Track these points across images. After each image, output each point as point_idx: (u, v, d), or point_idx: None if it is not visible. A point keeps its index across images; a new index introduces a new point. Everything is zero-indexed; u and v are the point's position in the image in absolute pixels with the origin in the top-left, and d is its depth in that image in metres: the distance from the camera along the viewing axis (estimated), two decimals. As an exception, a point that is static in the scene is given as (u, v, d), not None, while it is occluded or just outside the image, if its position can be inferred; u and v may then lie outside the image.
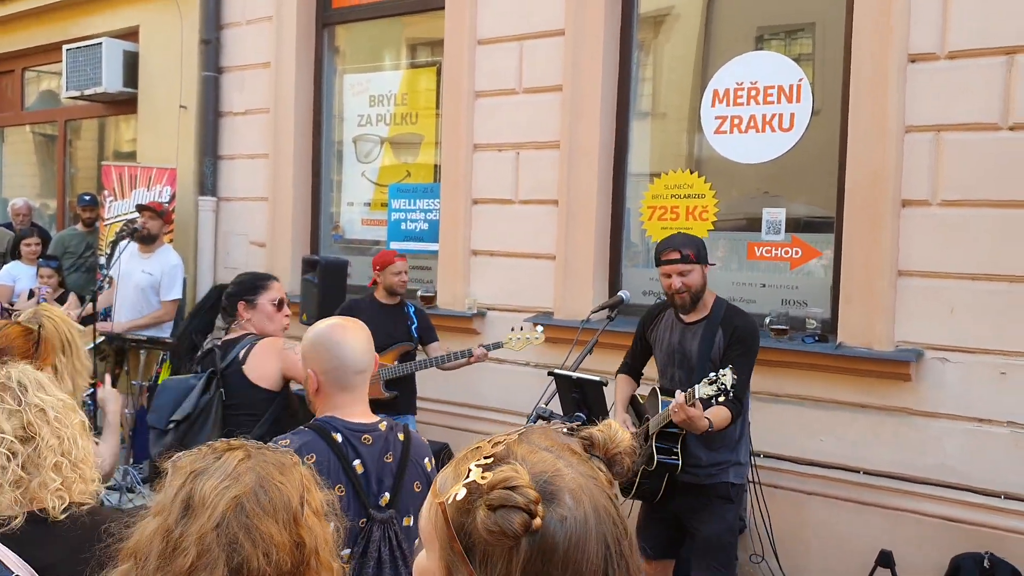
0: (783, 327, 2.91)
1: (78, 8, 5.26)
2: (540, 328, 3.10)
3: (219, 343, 2.24)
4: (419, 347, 3.22)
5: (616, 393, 2.53)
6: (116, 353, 4.12)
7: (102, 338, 3.79)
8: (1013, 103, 2.52)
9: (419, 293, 3.82)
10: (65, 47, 5.08)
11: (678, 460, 2.26)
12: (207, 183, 4.64)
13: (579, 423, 2.17)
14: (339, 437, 1.45)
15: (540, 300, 3.47)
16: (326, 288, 3.34)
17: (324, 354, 1.48)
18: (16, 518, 1.05)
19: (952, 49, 2.61)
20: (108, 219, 4.77)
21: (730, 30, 3.25)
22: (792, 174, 3.08)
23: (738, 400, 2.21)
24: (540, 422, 2.20)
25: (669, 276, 2.28)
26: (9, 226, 5.42)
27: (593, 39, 3.31)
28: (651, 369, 2.54)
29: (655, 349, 2.45)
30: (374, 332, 1.58)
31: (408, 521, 1.48)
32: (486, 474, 0.63)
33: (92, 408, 2.58)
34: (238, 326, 2.27)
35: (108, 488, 3.34)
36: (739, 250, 3.18)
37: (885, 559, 2.63)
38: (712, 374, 2.07)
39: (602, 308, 2.69)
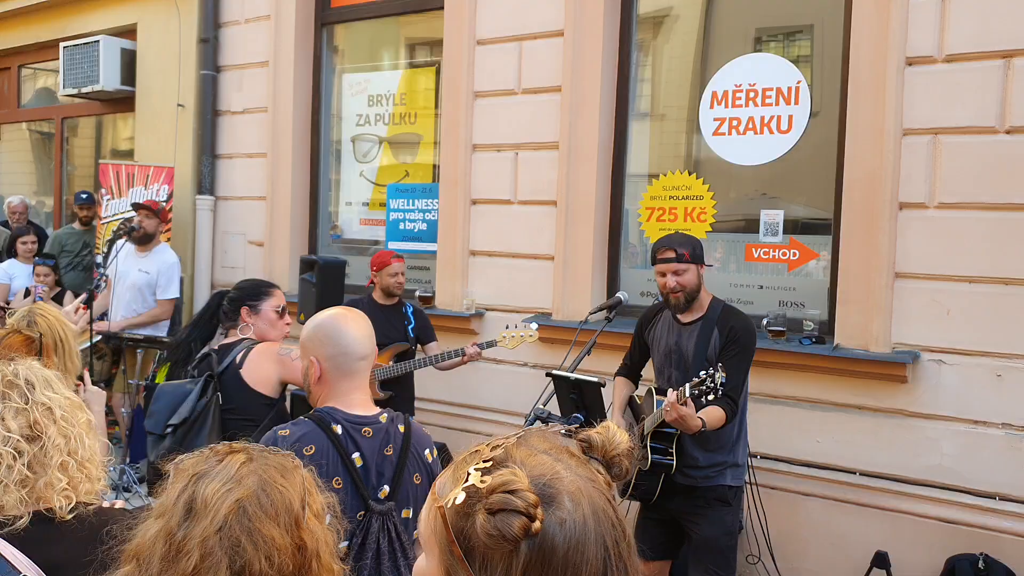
0: (780, 328, 2.92)
1: (76, 5, 5.24)
2: (535, 326, 3.10)
3: (215, 348, 2.24)
4: (419, 347, 3.23)
5: (613, 395, 2.53)
6: (113, 352, 4.11)
7: (99, 337, 3.78)
8: (1010, 106, 2.54)
9: (417, 293, 3.82)
10: (62, 44, 5.06)
11: (672, 460, 2.26)
12: (205, 182, 4.63)
13: (577, 424, 2.16)
14: (339, 429, 1.45)
15: (538, 301, 3.48)
16: (324, 288, 3.34)
17: (327, 340, 1.48)
18: (22, 518, 1.05)
19: (950, 52, 2.62)
20: (105, 218, 4.75)
21: (729, 32, 3.25)
22: (790, 176, 3.09)
23: (733, 401, 2.21)
24: (538, 423, 2.20)
25: (664, 275, 2.28)
26: (5, 224, 5.40)
27: (592, 40, 3.32)
28: (650, 371, 2.54)
29: (652, 350, 2.45)
30: None
31: (407, 513, 1.48)
32: (485, 478, 0.63)
33: None
34: (237, 330, 2.27)
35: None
36: (737, 252, 3.19)
37: (881, 560, 2.64)
38: (702, 373, 2.07)
39: (600, 309, 2.69)
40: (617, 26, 3.37)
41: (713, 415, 2.16)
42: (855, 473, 2.80)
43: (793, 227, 3.07)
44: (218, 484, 0.83)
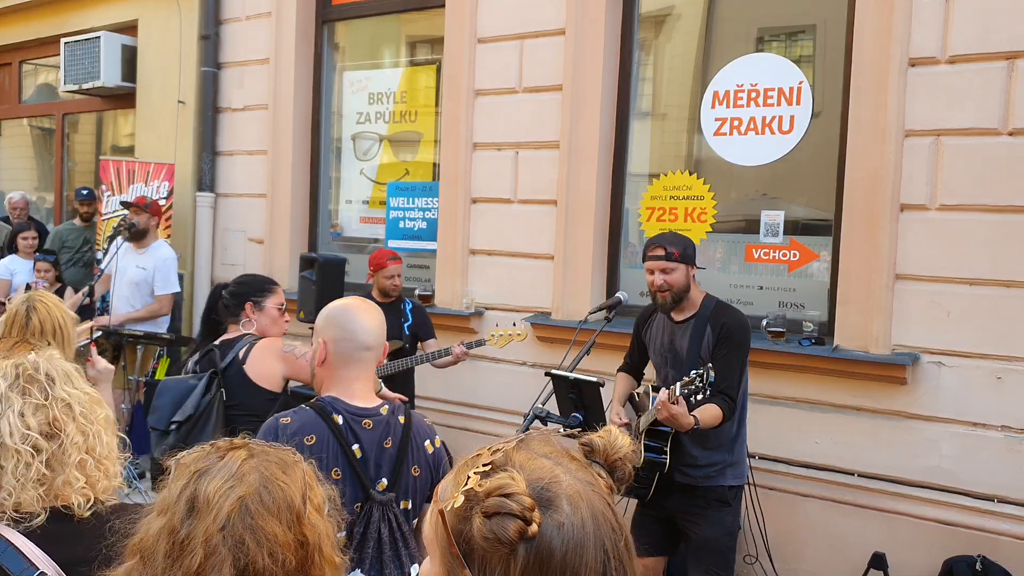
0: (780, 329, 2.91)
1: (76, 1, 5.23)
2: (524, 324, 3.11)
3: (217, 343, 2.24)
4: (419, 345, 3.23)
5: (615, 388, 2.54)
6: (113, 348, 4.11)
7: (99, 333, 3.79)
8: (1013, 108, 2.53)
9: (417, 292, 3.82)
10: (63, 40, 5.05)
11: (666, 458, 2.25)
12: (205, 179, 4.63)
13: (576, 424, 2.15)
14: (340, 420, 1.46)
15: (538, 300, 3.47)
16: (324, 286, 3.34)
17: (335, 324, 1.51)
18: (39, 515, 1.04)
19: (953, 53, 2.61)
20: (106, 214, 4.75)
21: (731, 31, 3.24)
22: (791, 177, 3.08)
23: (731, 398, 2.20)
24: (537, 423, 2.20)
25: (652, 272, 2.28)
26: (6, 220, 5.41)
27: (594, 39, 3.31)
28: (652, 369, 2.54)
29: (649, 349, 2.45)
30: None
31: (406, 504, 1.49)
32: (483, 481, 0.64)
33: None
34: (239, 325, 2.26)
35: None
36: (737, 252, 3.19)
37: (878, 561, 2.64)
38: (693, 372, 2.07)
39: (600, 309, 2.69)
40: (619, 25, 3.36)
41: (708, 413, 2.15)
42: (853, 474, 2.80)
43: (794, 228, 3.06)
44: (220, 481, 0.84)
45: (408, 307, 3.23)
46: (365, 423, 1.47)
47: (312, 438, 1.41)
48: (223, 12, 4.58)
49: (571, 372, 2.33)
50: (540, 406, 2.23)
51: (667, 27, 3.44)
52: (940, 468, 2.66)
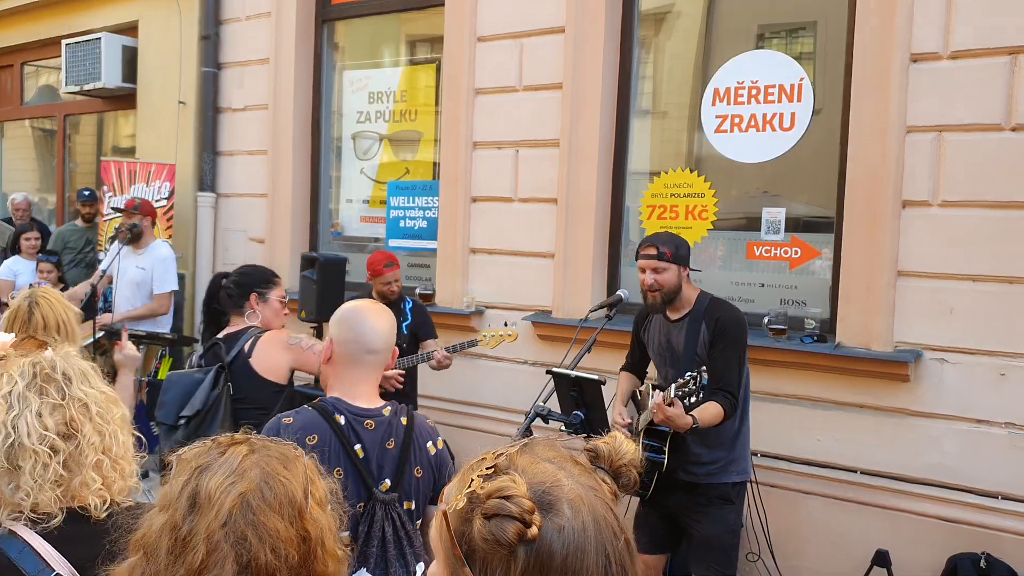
0: (782, 327, 2.90)
1: (77, 2, 5.24)
2: (515, 325, 3.11)
3: (221, 337, 2.24)
4: (420, 344, 3.22)
5: (618, 387, 2.53)
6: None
7: (101, 333, 3.80)
8: (1016, 104, 2.51)
9: (418, 291, 3.82)
10: (64, 42, 5.06)
11: (664, 457, 2.25)
12: (206, 179, 4.64)
13: (578, 421, 2.14)
14: (342, 419, 1.46)
15: (539, 298, 3.47)
16: (325, 285, 3.34)
17: (344, 323, 1.53)
18: (56, 516, 1.04)
19: (955, 49, 2.60)
20: (107, 215, 4.76)
21: (731, 28, 3.23)
22: (792, 174, 3.07)
23: (731, 394, 2.19)
24: (538, 421, 2.20)
25: (643, 271, 2.28)
26: (9, 221, 5.42)
27: (594, 37, 3.30)
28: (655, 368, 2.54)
29: (648, 349, 2.45)
30: None
31: (409, 505, 1.49)
32: (485, 484, 0.65)
33: None
34: (244, 317, 2.25)
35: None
36: (738, 250, 3.18)
37: (881, 559, 2.64)
38: (688, 374, 2.07)
39: (601, 307, 2.68)
40: (619, 23, 3.35)
41: (709, 411, 2.14)
42: (856, 472, 2.79)
43: (795, 225, 3.05)
44: (221, 477, 0.84)
45: (408, 306, 3.23)
46: (367, 423, 1.47)
47: (314, 437, 1.42)
48: (223, 12, 4.59)
49: (572, 370, 2.33)
50: (541, 404, 2.22)
51: (667, 24, 3.43)
52: (943, 465, 2.65)
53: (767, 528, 2.75)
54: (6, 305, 4.30)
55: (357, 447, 1.45)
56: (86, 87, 5.00)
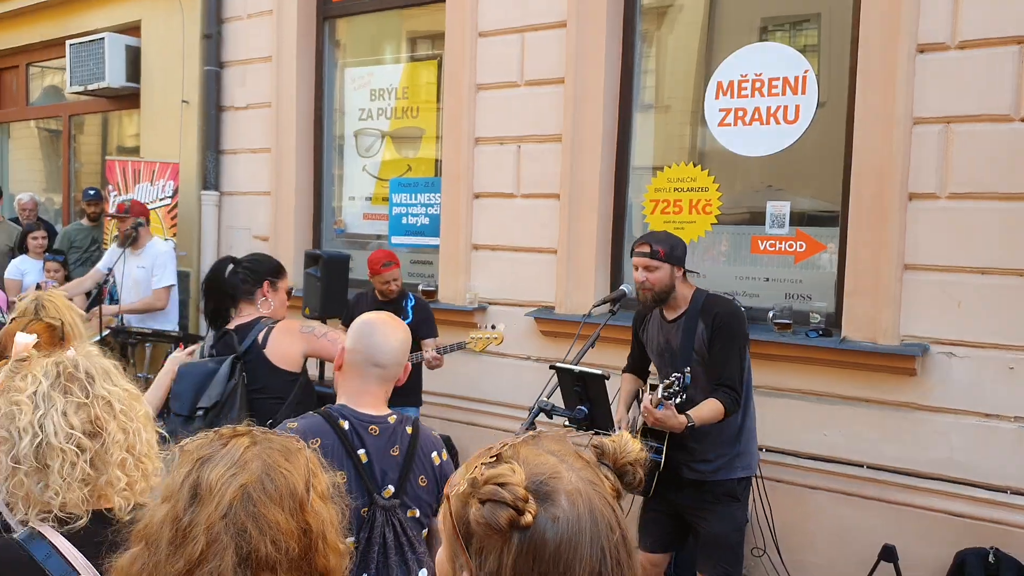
0: (787, 321, 2.88)
1: (80, 3, 5.26)
2: (502, 327, 3.12)
3: (232, 328, 2.24)
4: (421, 343, 3.22)
5: (620, 390, 2.52)
6: (121, 347, 4.14)
7: (108, 331, 3.82)
8: None
9: (420, 287, 3.82)
10: (68, 42, 5.09)
11: (661, 457, 2.23)
12: (210, 177, 4.65)
13: (582, 416, 2.13)
14: (346, 424, 1.48)
15: (542, 294, 3.46)
16: (328, 282, 3.35)
17: (356, 334, 1.55)
18: (82, 517, 1.04)
19: (962, 39, 2.57)
20: (112, 214, 4.78)
21: (734, 21, 3.21)
22: (797, 167, 3.04)
23: (732, 389, 2.18)
24: (542, 416, 2.19)
25: (637, 268, 2.28)
26: (16, 221, 5.46)
27: (595, 31, 3.28)
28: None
29: (647, 349, 2.44)
30: None
31: (413, 513, 1.49)
32: (486, 470, 0.67)
33: None
34: (255, 305, 2.25)
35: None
36: (743, 244, 3.16)
37: (888, 553, 2.62)
38: (674, 375, 2.06)
39: (604, 302, 2.67)
40: (620, 17, 3.33)
41: (707, 409, 2.13)
42: (862, 466, 2.77)
43: (800, 219, 3.03)
44: (222, 469, 0.83)
45: (410, 304, 3.23)
46: (371, 429, 1.49)
47: (317, 441, 1.42)
48: (225, 11, 4.59)
49: (576, 365, 2.32)
50: (545, 400, 2.22)
51: (669, 18, 3.40)
52: (951, 460, 2.63)
53: (773, 523, 2.73)
54: (14, 304, 4.33)
55: (361, 452, 1.46)
56: (90, 87, 5.02)
